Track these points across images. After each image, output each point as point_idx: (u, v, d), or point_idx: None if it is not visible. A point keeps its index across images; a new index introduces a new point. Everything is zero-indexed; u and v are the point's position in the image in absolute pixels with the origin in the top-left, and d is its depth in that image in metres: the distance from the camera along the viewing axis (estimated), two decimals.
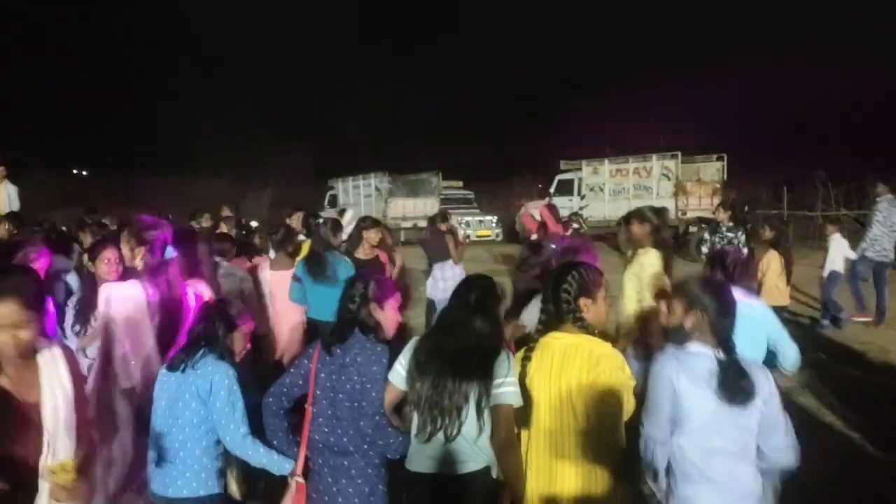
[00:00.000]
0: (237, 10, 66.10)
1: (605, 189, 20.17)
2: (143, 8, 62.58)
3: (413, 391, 2.85)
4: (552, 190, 21.48)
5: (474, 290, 2.98)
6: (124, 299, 3.82)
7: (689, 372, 2.58)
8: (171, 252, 4.26)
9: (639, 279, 5.25)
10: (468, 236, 19.15)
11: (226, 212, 10.04)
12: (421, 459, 2.85)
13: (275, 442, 3.04)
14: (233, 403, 3.00)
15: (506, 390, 2.72)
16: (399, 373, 2.93)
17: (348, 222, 8.26)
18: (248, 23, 64.27)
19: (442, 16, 73.30)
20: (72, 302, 4.50)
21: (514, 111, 51.91)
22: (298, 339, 5.97)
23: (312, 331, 5.74)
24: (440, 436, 2.76)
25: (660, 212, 5.45)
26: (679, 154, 18.80)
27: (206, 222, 8.22)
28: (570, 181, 21.07)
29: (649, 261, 5.22)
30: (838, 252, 9.56)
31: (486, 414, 2.74)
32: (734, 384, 2.52)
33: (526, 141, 41.26)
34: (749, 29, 52.22)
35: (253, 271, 6.20)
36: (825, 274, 9.46)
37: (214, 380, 3.01)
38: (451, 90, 55.70)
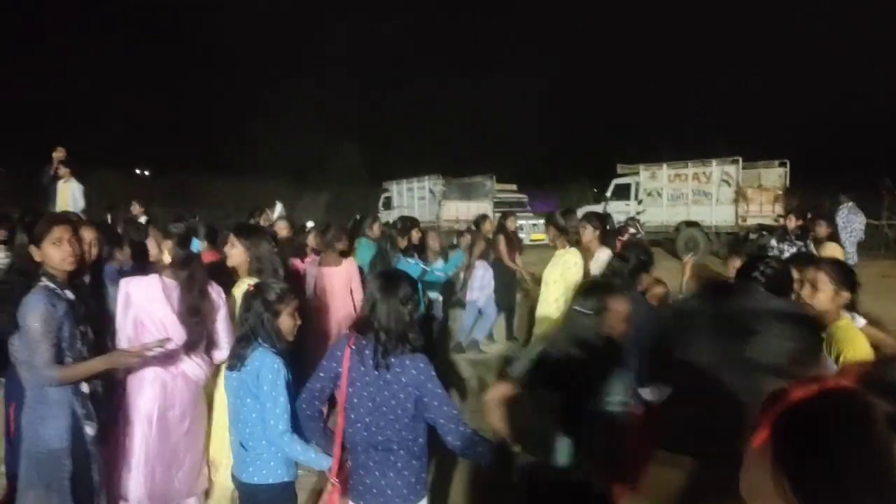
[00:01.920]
0: (296, 14, 67.11)
1: (663, 194, 19.88)
2: (205, 10, 63.93)
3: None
4: (609, 194, 21.24)
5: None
6: (144, 293, 3.81)
7: None
8: (197, 245, 4.23)
9: (564, 279, 5.73)
10: (521, 240, 19.07)
11: (277, 210, 10.20)
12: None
13: (313, 441, 3.08)
14: (274, 398, 3.02)
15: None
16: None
17: (278, 216, 8.35)
18: (307, 25, 65.15)
19: (499, 18, 73.24)
20: None
21: (572, 114, 51.53)
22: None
23: None
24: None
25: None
26: (740, 159, 18.43)
27: (264, 221, 8.35)
28: (627, 185, 20.81)
29: (573, 259, 5.74)
30: None
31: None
32: None
33: (582, 144, 40.87)
34: (814, 33, 50.94)
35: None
36: None
37: (260, 374, 3.05)
38: (508, 93, 55.59)
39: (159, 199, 29.47)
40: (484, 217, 9.08)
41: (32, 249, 3.33)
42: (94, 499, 3.47)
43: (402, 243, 6.29)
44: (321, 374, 3.06)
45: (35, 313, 3.19)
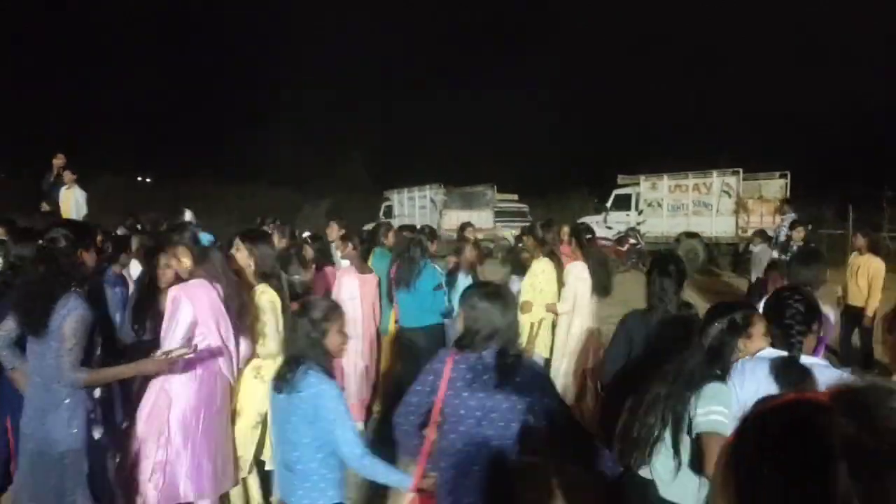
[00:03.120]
0: (300, 23, 67.38)
1: (663, 205, 19.91)
2: (209, 18, 64.22)
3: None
4: (609, 204, 21.27)
5: None
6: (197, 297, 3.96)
7: None
8: (205, 238, 4.33)
9: (533, 287, 6.18)
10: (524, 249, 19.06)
11: (187, 216, 10.38)
12: None
13: (407, 458, 3.10)
14: (343, 424, 2.96)
15: (709, 419, 2.70)
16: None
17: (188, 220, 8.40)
18: (310, 34, 65.42)
19: (500, 27, 73.50)
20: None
21: (573, 124, 51.65)
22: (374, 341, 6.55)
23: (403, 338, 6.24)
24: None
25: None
26: (740, 170, 18.47)
27: (271, 230, 8.39)
28: (628, 196, 20.83)
29: (540, 267, 6.22)
30: None
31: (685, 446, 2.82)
32: None
33: (584, 155, 40.93)
34: (815, 44, 51.10)
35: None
36: None
37: (319, 404, 2.95)
38: (510, 103, 55.72)
39: (161, 207, 29.52)
40: (467, 224, 9.14)
41: (83, 253, 3.54)
42: (112, 501, 3.58)
43: (432, 248, 6.47)
44: (418, 388, 3.04)
45: (74, 313, 3.31)
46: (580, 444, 2.92)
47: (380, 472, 2.99)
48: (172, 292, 3.95)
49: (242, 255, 4.49)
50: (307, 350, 3.04)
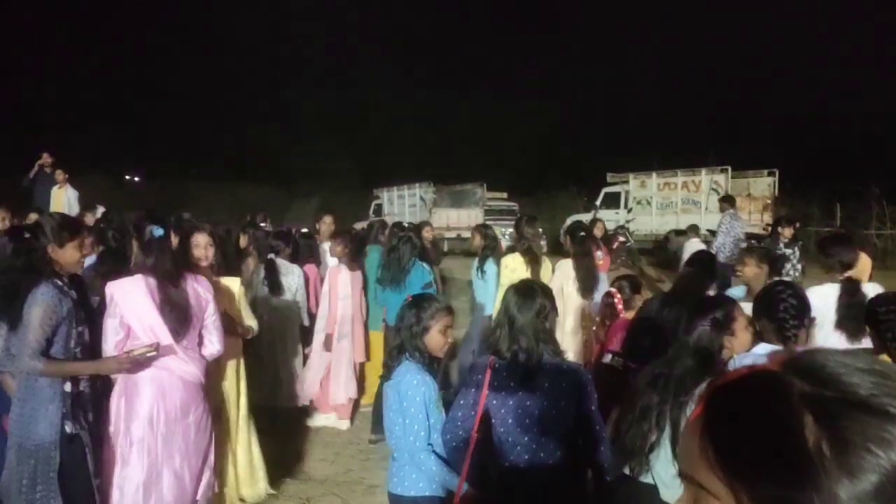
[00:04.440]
0: (289, 22, 67.16)
1: (652, 203, 19.98)
2: (197, 18, 63.92)
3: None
4: (598, 203, 21.33)
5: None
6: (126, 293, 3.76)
7: None
8: (156, 232, 4.02)
9: (510, 281, 6.10)
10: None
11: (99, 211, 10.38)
12: None
13: (457, 468, 3.08)
14: (413, 415, 3.03)
15: None
16: None
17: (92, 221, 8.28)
18: (299, 32, 65.22)
19: (489, 27, 73.51)
20: None
21: (562, 123, 51.69)
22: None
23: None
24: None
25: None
26: (729, 168, 18.55)
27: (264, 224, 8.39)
28: (617, 194, 20.91)
29: (512, 263, 6.48)
30: None
31: None
32: None
33: (573, 153, 40.99)
34: (803, 43, 51.35)
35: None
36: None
37: (400, 389, 3.07)
38: (499, 101, 55.75)
39: (149, 205, 29.36)
40: (425, 223, 9.23)
41: (52, 248, 3.49)
42: (91, 497, 3.53)
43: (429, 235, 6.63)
44: (462, 402, 3.07)
45: (41, 301, 3.33)
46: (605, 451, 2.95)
47: (433, 469, 3.05)
48: (108, 289, 3.72)
49: (200, 247, 4.43)
50: (407, 341, 3.15)
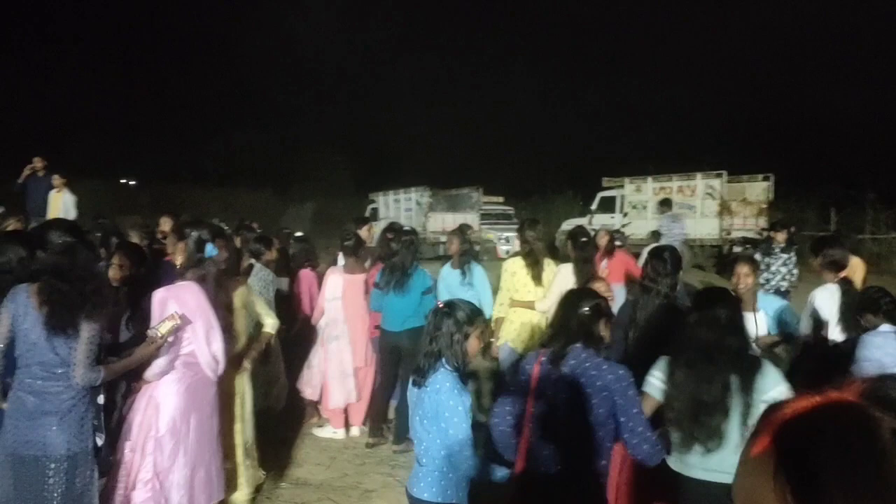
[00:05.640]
0: (282, 25, 67.16)
1: (648, 207, 19.98)
2: (190, 21, 63.91)
3: (671, 409, 3.11)
4: (594, 207, 21.33)
5: (722, 307, 3.17)
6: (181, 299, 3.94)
7: None
8: (210, 250, 4.30)
9: (511, 284, 6.45)
10: (508, 252, 19.11)
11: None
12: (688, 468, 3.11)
13: (506, 457, 3.18)
14: (456, 423, 3.05)
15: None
16: (655, 385, 3.20)
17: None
18: (293, 35, 65.24)
19: (485, 29, 73.60)
20: None
21: (558, 127, 51.79)
22: (366, 342, 6.45)
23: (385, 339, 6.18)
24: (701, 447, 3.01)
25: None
26: (724, 173, 18.56)
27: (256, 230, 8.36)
28: (613, 199, 20.91)
29: (512, 266, 6.47)
30: None
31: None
32: None
33: (569, 157, 41.05)
34: (799, 48, 51.54)
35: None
36: None
37: (440, 398, 3.08)
38: (495, 105, 55.82)
39: (144, 209, 29.27)
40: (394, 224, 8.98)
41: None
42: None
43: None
44: (512, 390, 3.19)
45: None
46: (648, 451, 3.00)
47: (481, 473, 3.14)
48: (160, 294, 3.91)
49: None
50: (445, 348, 3.15)
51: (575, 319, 3.09)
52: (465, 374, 3.25)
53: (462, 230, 7.39)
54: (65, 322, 3.29)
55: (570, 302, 3.18)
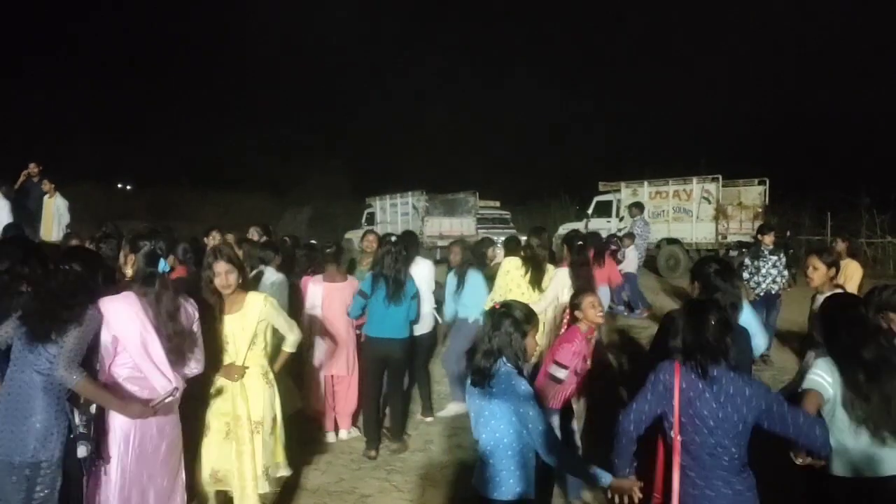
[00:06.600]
0: (279, 29, 67.20)
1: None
2: (187, 26, 63.91)
3: (854, 409, 3.21)
4: (590, 211, 21.37)
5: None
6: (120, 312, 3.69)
7: None
8: (164, 265, 3.92)
9: (506, 283, 6.68)
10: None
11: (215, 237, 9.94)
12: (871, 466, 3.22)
13: (617, 461, 3.23)
14: (536, 419, 3.09)
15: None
16: (822, 384, 3.26)
17: None
18: (290, 40, 65.30)
19: (482, 35, 73.70)
20: None
21: (555, 131, 51.86)
22: (347, 350, 6.38)
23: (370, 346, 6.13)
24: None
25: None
26: (720, 177, 18.59)
27: (255, 235, 8.29)
28: (609, 203, 20.94)
29: (509, 266, 6.73)
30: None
31: None
32: None
33: (565, 162, 41.10)
34: (795, 52, 51.71)
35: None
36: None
37: (512, 398, 3.12)
38: (492, 110, 55.89)
39: (140, 214, 29.28)
40: (369, 231, 8.71)
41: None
42: None
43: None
44: (650, 398, 3.20)
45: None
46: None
47: (574, 463, 3.21)
48: (101, 305, 3.63)
49: (221, 276, 4.29)
50: (505, 348, 3.22)
51: (709, 333, 3.11)
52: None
53: (464, 241, 7.63)
54: (38, 336, 3.37)
55: (697, 315, 3.20)
